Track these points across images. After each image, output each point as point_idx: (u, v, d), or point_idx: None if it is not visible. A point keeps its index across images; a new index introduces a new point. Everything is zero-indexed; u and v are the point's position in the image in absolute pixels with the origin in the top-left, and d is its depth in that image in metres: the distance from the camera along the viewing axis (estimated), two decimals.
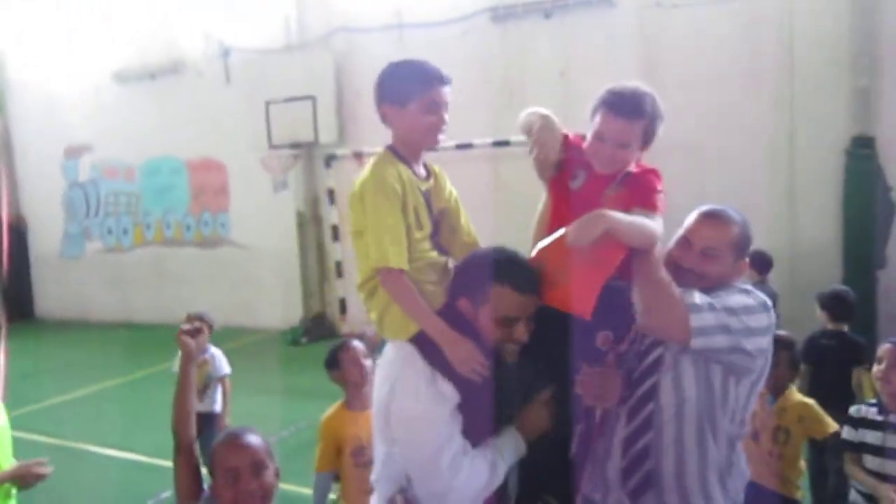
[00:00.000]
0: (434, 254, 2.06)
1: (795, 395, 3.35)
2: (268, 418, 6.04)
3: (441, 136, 2.08)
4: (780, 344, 3.37)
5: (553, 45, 8.37)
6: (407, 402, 1.91)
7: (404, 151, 2.09)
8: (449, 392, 1.90)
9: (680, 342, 1.88)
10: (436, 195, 2.15)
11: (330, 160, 9.42)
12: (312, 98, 9.35)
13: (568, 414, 2.01)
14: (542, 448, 1.99)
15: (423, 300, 1.94)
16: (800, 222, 7.42)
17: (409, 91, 2.03)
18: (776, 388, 3.33)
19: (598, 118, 2.03)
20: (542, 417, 2.00)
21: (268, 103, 9.50)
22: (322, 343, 8.76)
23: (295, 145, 9.73)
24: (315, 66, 9.48)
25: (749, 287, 2.00)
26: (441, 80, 2.04)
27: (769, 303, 1.96)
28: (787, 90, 7.32)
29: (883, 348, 3.04)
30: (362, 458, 3.14)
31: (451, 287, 2.01)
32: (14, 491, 2.90)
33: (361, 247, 2.02)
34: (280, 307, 10.25)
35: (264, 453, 2.00)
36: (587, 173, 2.08)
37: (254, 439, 2.03)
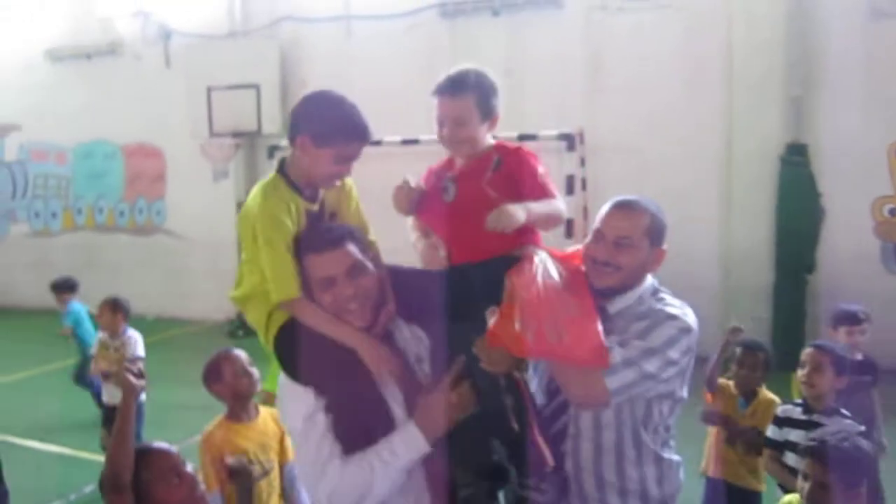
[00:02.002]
0: None
1: (766, 394, 3.46)
2: (198, 409, 5.90)
3: (337, 182, 2.10)
4: (753, 348, 3.47)
5: (500, 44, 8.38)
6: (288, 416, 2.02)
7: (298, 180, 2.07)
8: (311, 401, 1.92)
9: (603, 406, 1.88)
10: (327, 204, 2.15)
11: (273, 151, 9.24)
12: (256, 87, 9.15)
13: (484, 380, 1.95)
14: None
15: (328, 315, 1.96)
16: (734, 226, 7.65)
17: (331, 137, 2.00)
18: (747, 393, 3.45)
19: (435, 105, 2.12)
20: (444, 406, 1.92)
21: (209, 90, 9.26)
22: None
23: (237, 134, 9.52)
24: (259, 55, 9.28)
25: (678, 308, 1.94)
26: (364, 138, 2.03)
27: (694, 325, 1.92)
28: (726, 97, 7.53)
29: (806, 352, 3.15)
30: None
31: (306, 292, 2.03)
32: None
33: (246, 265, 2.09)
34: (216, 299, 9.98)
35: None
36: (454, 182, 2.12)
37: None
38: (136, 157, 10.85)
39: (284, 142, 8.94)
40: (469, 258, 2.15)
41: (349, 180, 2.21)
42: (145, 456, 2.16)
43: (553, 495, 1.99)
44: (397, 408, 1.95)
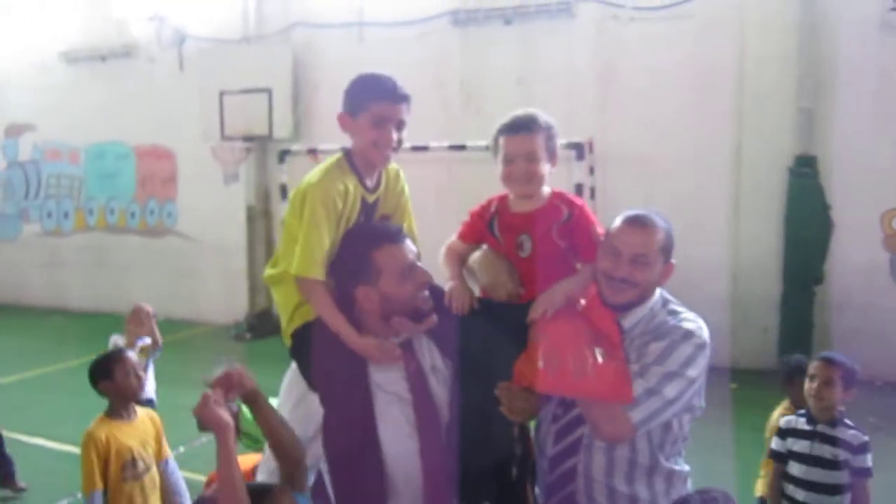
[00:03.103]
0: None
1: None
2: None
3: (388, 153, 2.08)
4: (799, 369, 3.38)
5: (512, 52, 8.42)
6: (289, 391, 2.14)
7: (358, 161, 2.10)
8: (315, 409, 1.99)
9: (630, 439, 1.91)
10: (383, 203, 2.17)
11: (283, 155, 9.30)
12: (268, 91, 9.20)
13: (501, 427, 2.00)
14: (479, 458, 1.99)
15: (336, 307, 1.99)
16: (742, 236, 7.64)
17: (361, 102, 2.05)
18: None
19: (501, 145, 2.15)
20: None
21: (222, 94, 9.31)
22: (267, 340, 8.65)
23: (248, 138, 9.56)
24: (272, 59, 9.33)
25: (692, 322, 1.97)
26: (393, 96, 2.04)
27: (707, 338, 1.95)
28: (736, 106, 7.53)
29: (814, 365, 3.12)
30: (133, 470, 3.10)
31: (338, 284, 2.04)
32: None
33: (286, 246, 2.07)
34: (224, 301, 10.07)
35: None
36: (529, 237, 2.14)
37: None
38: (148, 159, 10.92)
39: (296, 146, 8.95)
40: None
41: (407, 195, 2.25)
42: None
43: None
44: (386, 429, 1.95)
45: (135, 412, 3.26)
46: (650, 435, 1.93)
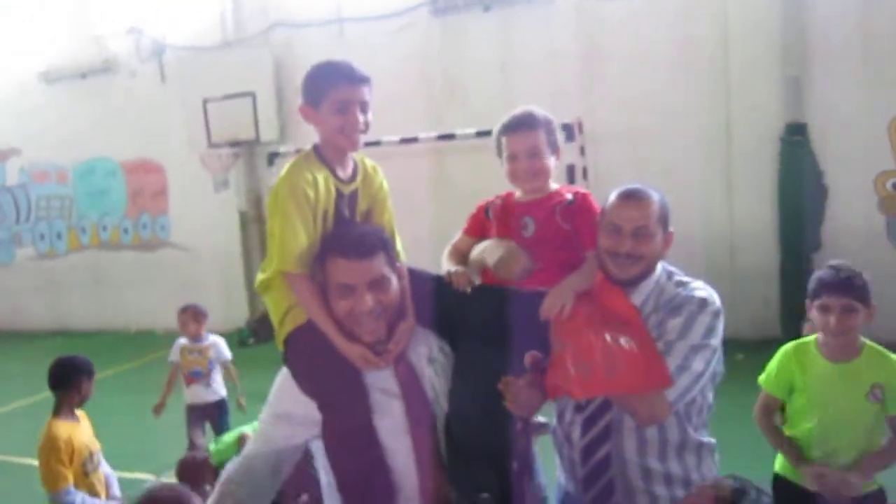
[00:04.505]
0: None
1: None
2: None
3: (356, 137, 2.03)
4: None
5: (493, 38, 8.38)
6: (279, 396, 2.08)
7: (327, 152, 2.05)
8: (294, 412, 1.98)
9: (667, 418, 1.92)
10: (363, 196, 2.12)
11: (272, 158, 9.25)
12: (252, 94, 9.15)
13: (503, 419, 1.97)
14: (475, 450, 1.96)
15: (320, 303, 1.94)
16: (737, 207, 7.63)
17: (320, 91, 2.00)
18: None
19: (504, 144, 2.18)
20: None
21: (205, 101, 9.27)
22: (270, 343, 8.58)
23: (235, 143, 9.52)
24: (253, 63, 9.27)
25: (703, 290, 1.98)
26: (350, 78, 2.00)
27: (720, 304, 1.95)
28: (722, 79, 7.51)
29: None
30: (92, 464, 3.52)
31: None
32: None
33: (270, 244, 2.02)
34: (224, 309, 10.01)
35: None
36: (533, 219, 2.14)
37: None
38: (136, 173, 10.87)
39: (283, 148, 8.88)
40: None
41: (386, 189, 2.19)
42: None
43: None
44: (386, 429, 1.93)
45: (77, 415, 3.61)
46: (677, 409, 1.93)
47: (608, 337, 1.86)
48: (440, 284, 2.09)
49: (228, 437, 4.36)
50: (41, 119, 11.05)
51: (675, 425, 1.96)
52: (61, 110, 10.90)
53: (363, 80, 2.02)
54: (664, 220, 2.00)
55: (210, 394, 5.01)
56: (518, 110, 2.20)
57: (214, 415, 5.04)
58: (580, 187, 2.24)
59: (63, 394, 3.53)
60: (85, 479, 3.47)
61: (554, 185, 2.21)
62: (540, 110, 2.20)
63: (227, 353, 5.14)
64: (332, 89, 1.98)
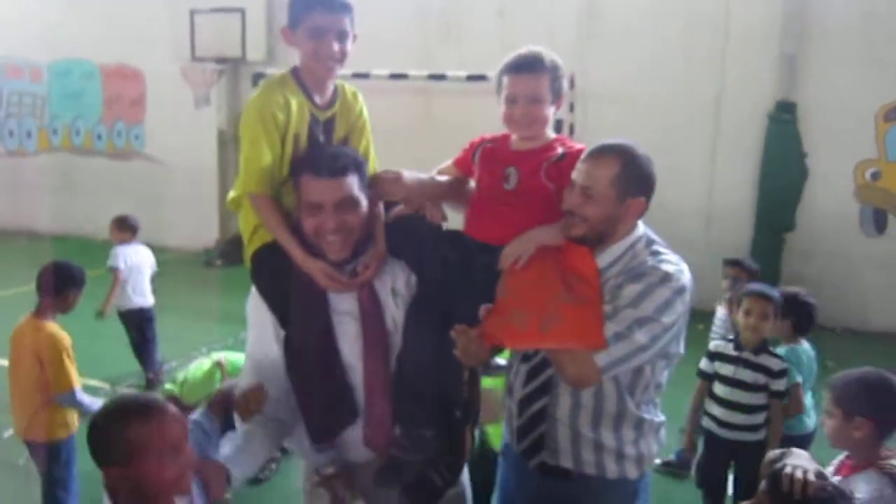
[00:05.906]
0: None
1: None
2: (178, 339, 5.90)
3: (330, 64, 1.99)
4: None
5: None
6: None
7: (305, 76, 2.03)
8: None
9: (595, 384, 1.86)
10: (340, 123, 2.10)
11: (257, 79, 9.01)
12: (241, 10, 8.88)
13: (451, 365, 1.97)
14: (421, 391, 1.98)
15: (282, 221, 1.96)
16: (718, 179, 7.67)
17: (298, 14, 1.97)
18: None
19: (504, 83, 2.03)
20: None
21: (192, 11, 8.98)
22: (239, 266, 8.54)
23: (220, 60, 9.27)
24: None
25: (674, 265, 1.85)
26: (330, 5, 1.95)
27: (688, 282, 1.85)
28: (719, 51, 7.44)
29: (750, 299, 3.27)
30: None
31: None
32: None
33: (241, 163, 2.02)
34: (194, 228, 9.92)
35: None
36: (517, 168, 2.03)
37: None
38: (114, 78, 10.55)
39: (270, 70, 8.65)
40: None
41: (365, 117, 2.16)
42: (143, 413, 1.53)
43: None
44: (348, 350, 1.97)
45: None
46: (617, 379, 1.88)
47: (555, 292, 1.81)
48: (416, 218, 2.07)
49: (197, 371, 3.95)
50: (16, 11, 10.63)
51: (614, 396, 1.90)
52: (39, 3, 10.48)
53: (343, 7, 1.98)
54: (624, 185, 1.85)
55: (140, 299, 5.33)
56: (525, 49, 2.05)
57: (139, 320, 5.31)
58: (577, 143, 2.10)
59: (50, 300, 3.36)
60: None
61: (551, 135, 2.09)
62: (549, 53, 2.05)
63: (114, 263, 5.22)
64: (309, 14, 1.95)
